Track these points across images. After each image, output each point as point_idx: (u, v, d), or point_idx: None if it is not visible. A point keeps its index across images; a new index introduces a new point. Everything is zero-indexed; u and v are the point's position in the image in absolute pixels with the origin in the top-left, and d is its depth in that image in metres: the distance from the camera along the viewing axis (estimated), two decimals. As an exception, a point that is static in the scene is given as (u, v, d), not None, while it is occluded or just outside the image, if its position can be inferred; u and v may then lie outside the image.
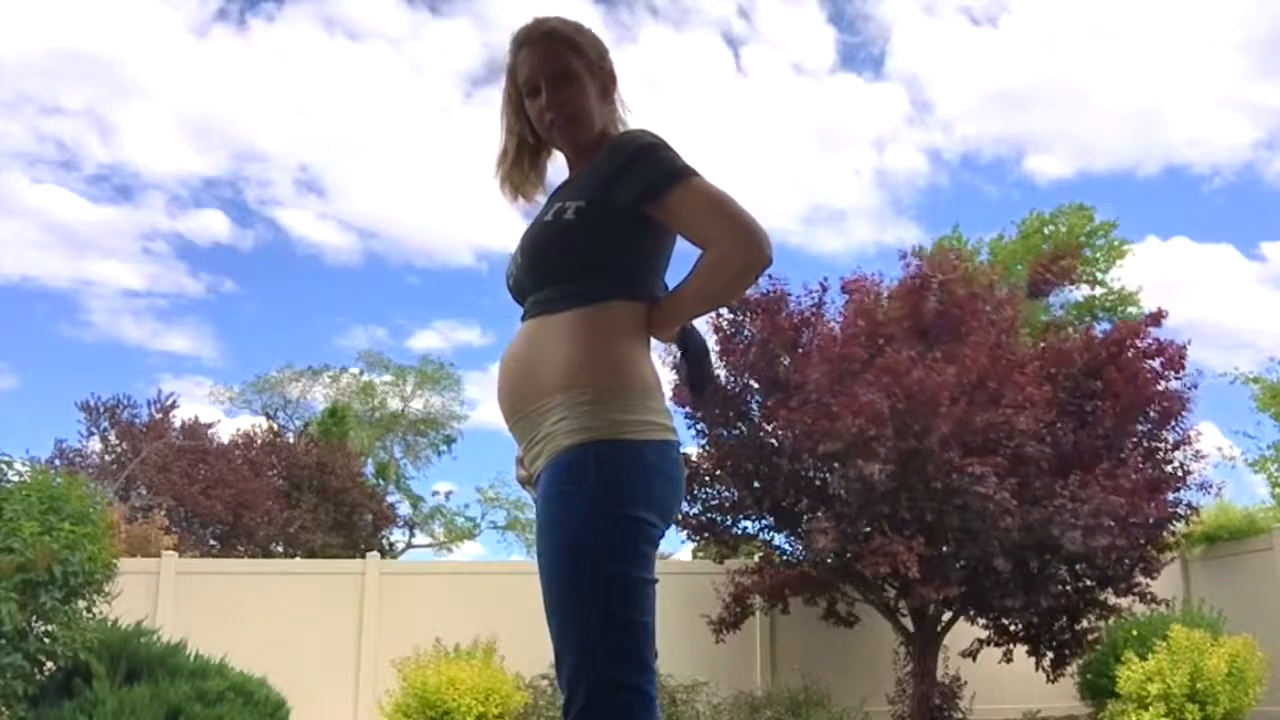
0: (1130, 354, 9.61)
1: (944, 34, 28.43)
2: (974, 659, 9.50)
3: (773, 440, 9.60)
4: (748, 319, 9.71)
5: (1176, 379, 9.61)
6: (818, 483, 9.38)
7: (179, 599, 10.04)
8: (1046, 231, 22.41)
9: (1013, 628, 9.34)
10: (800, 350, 9.47)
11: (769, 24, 30.19)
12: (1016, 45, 28.13)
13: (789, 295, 9.70)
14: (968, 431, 8.51)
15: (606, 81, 1.98)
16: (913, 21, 29.26)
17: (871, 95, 30.29)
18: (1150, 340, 9.68)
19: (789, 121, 31.02)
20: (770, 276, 9.64)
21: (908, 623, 9.57)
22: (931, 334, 9.32)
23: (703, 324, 10.05)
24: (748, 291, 9.57)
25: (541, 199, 2.04)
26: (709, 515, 10.08)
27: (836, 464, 8.64)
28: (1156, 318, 9.94)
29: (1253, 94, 26.72)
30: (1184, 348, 9.63)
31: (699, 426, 9.90)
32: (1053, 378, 9.17)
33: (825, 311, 9.84)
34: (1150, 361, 9.63)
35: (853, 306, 9.70)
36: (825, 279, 9.91)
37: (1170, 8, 26.70)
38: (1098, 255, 22.18)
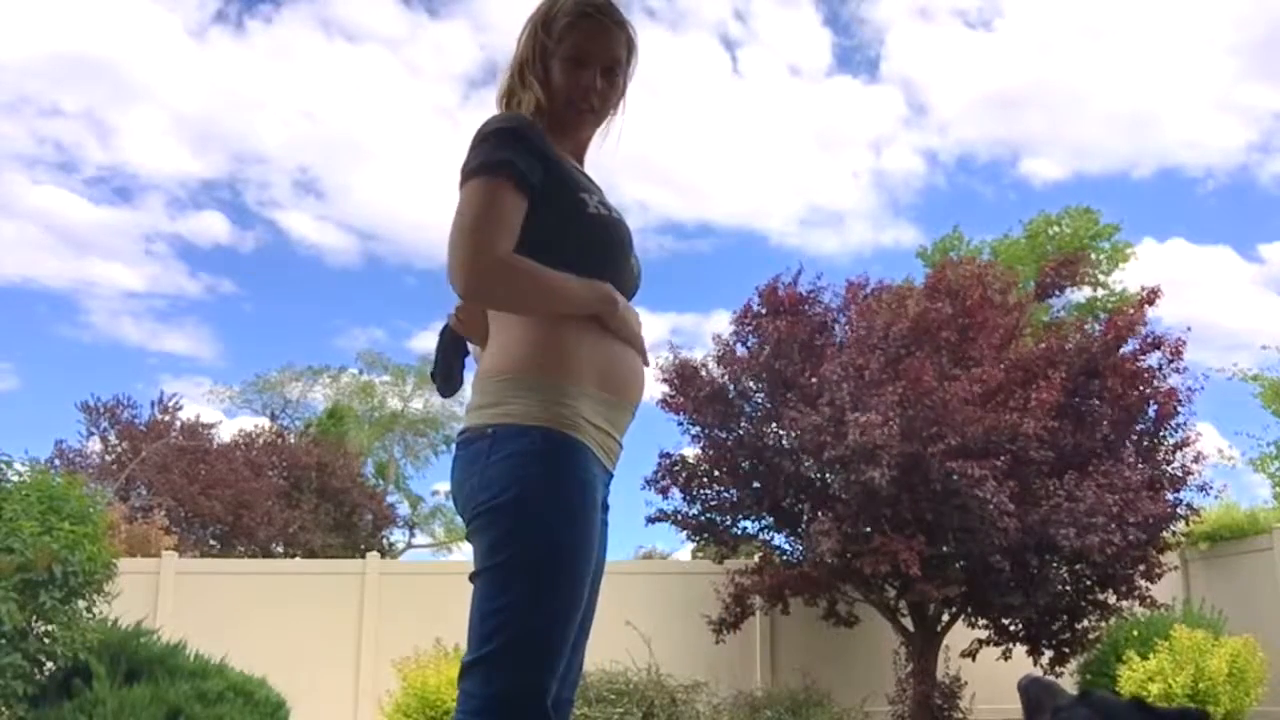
0: (1128, 349, 9.53)
1: (939, 37, 28.46)
2: (973, 659, 9.49)
3: (773, 441, 9.60)
4: (765, 319, 9.69)
5: (1175, 372, 9.57)
6: (818, 484, 9.38)
7: (179, 599, 10.04)
8: (1051, 233, 22.49)
9: (1012, 627, 9.34)
10: (813, 350, 9.46)
11: (765, 26, 30.23)
12: (1011, 48, 28.20)
13: (820, 301, 9.74)
14: (971, 435, 8.50)
15: (622, 98, 1.99)
16: (908, 24, 29.30)
17: (868, 97, 30.30)
18: (1148, 332, 9.57)
19: (786, 123, 31.05)
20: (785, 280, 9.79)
21: (908, 623, 9.57)
22: (944, 339, 9.30)
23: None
24: (778, 286, 9.68)
25: None
26: (709, 515, 10.07)
27: (840, 468, 8.62)
28: (1151, 298, 9.61)
29: (1246, 96, 26.78)
30: (1182, 340, 9.59)
31: (698, 428, 9.91)
32: (1053, 378, 9.15)
33: (840, 315, 9.89)
34: (1148, 358, 9.56)
35: (864, 311, 9.71)
36: (851, 279, 10.04)
37: (1164, 11, 26.76)
38: (1101, 258, 22.25)
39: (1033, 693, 1.95)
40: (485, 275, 1.68)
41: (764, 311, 9.75)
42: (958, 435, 8.37)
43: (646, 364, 1.88)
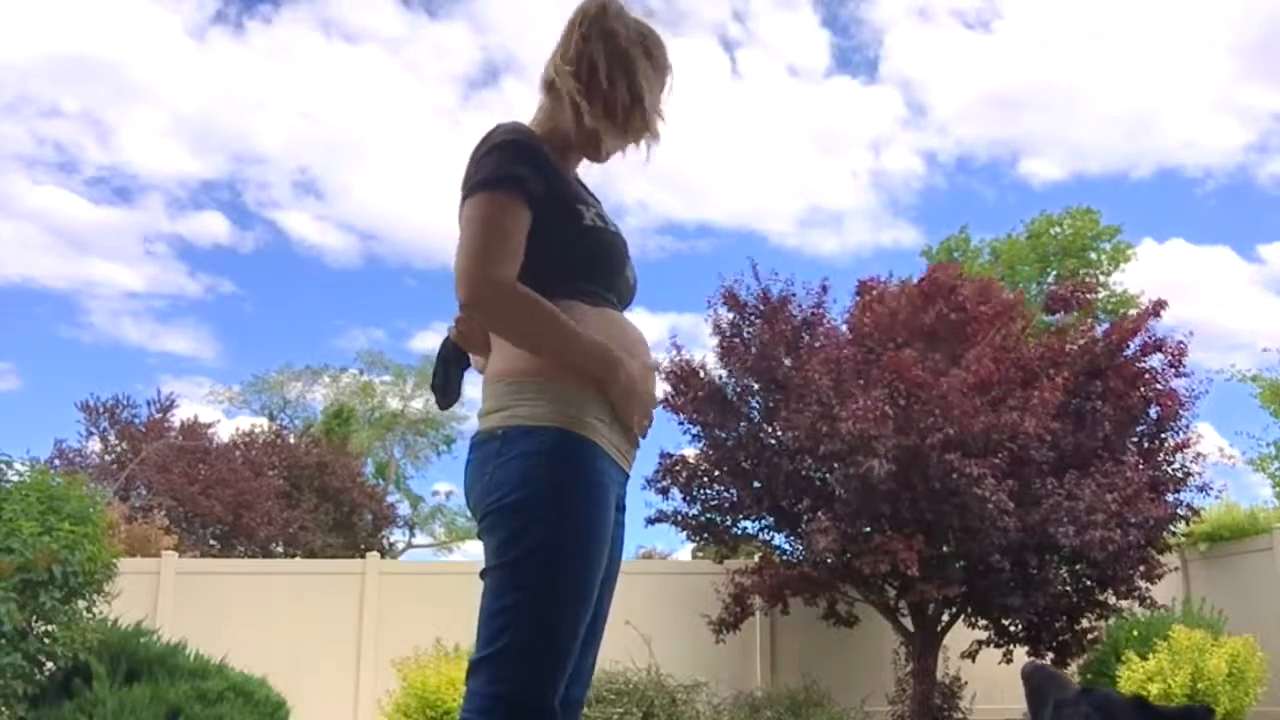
0: (1130, 352, 9.58)
1: (937, 38, 28.48)
2: (973, 660, 9.50)
3: (773, 440, 9.61)
4: (747, 321, 9.75)
5: (1178, 376, 9.60)
6: (818, 483, 9.39)
7: (179, 599, 10.04)
8: (1053, 233, 22.49)
9: (1012, 628, 9.34)
10: (801, 350, 9.49)
11: (764, 27, 30.26)
12: (1009, 49, 28.24)
13: (792, 298, 9.74)
14: (969, 433, 8.51)
15: None
16: (906, 25, 29.34)
17: (866, 98, 30.34)
18: (1150, 335, 9.64)
19: (785, 124, 31.07)
20: (767, 278, 9.78)
21: (908, 623, 9.57)
22: (939, 338, 9.31)
23: (702, 322, 10.24)
24: (747, 291, 9.71)
25: None
26: (709, 515, 10.07)
27: (837, 464, 8.64)
28: (1156, 308, 9.72)
29: (1243, 97, 26.82)
30: (1183, 344, 9.62)
31: (698, 428, 9.91)
32: (1054, 379, 9.17)
33: (827, 312, 9.89)
34: (1149, 360, 9.60)
35: (860, 308, 9.72)
36: (825, 279, 9.99)
37: (1162, 11, 26.79)
38: (1102, 258, 22.25)
39: (1035, 680, 1.91)
40: (485, 295, 1.68)
41: (731, 316, 9.77)
42: (955, 426, 8.38)
43: (635, 444, 1.83)
